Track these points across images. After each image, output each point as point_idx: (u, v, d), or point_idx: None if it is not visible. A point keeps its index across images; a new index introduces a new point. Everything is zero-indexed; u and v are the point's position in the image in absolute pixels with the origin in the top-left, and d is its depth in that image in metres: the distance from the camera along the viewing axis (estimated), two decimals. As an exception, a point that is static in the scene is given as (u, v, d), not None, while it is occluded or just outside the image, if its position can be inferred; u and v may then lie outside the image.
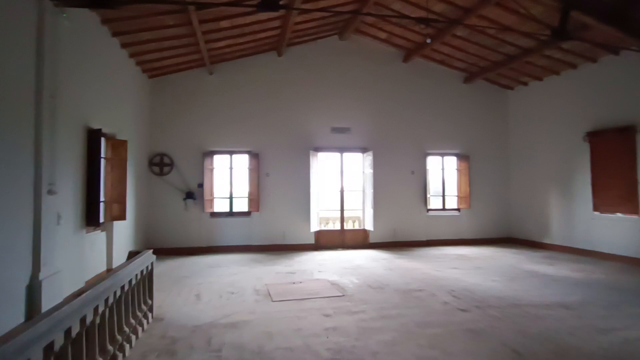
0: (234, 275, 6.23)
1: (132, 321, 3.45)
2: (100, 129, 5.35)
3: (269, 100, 8.86)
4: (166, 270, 6.58)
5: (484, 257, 7.63)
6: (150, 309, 4.13)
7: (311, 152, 8.68)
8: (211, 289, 5.35)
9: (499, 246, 8.98)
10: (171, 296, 5.04)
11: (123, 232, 6.73)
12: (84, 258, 5.11)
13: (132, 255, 4.08)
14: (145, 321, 3.85)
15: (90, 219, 5.20)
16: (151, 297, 4.16)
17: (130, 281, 3.38)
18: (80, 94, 5.10)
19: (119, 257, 6.20)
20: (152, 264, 4.19)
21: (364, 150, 9.10)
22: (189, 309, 4.52)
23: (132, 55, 7.00)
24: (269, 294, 5.04)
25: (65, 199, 4.64)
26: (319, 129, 9.01)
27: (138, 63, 7.41)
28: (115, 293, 2.97)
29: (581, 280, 5.70)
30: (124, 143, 6.37)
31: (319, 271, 6.48)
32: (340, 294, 5.04)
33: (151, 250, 4.31)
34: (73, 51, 4.85)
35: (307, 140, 8.93)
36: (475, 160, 9.58)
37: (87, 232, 5.23)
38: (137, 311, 3.65)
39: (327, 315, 4.20)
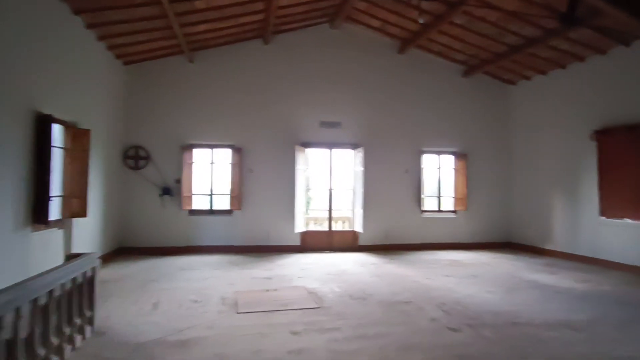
0: (205, 280, 5.67)
1: (54, 340, 2.88)
2: (50, 115, 4.77)
3: (254, 91, 8.29)
4: (133, 273, 6.02)
5: (481, 264, 7.06)
6: (90, 322, 3.56)
7: (297, 148, 8.10)
8: (173, 297, 4.78)
9: (497, 251, 8.41)
10: (126, 304, 4.47)
11: (87, 231, 6.17)
12: (29, 260, 4.53)
13: (69, 259, 3.51)
14: (79, 337, 3.29)
15: (38, 216, 4.63)
16: (92, 308, 3.60)
17: (51, 292, 2.81)
18: (28, 74, 4.53)
19: (79, 258, 5.63)
20: (94, 269, 3.62)
21: (354, 146, 8.53)
22: (140, 320, 3.96)
23: (101, 38, 6.41)
24: (236, 304, 4.47)
25: (3, 193, 4.07)
26: (307, 123, 8.43)
27: (110, 47, 6.83)
28: (18, 310, 2.39)
29: (587, 293, 5.13)
30: (86, 133, 5.79)
31: (300, 277, 5.92)
32: (316, 306, 4.46)
33: (95, 254, 3.74)
34: (21, 25, 4.29)
35: (294, 135, 8.35)
36: (474, 159, 9.00)
37: (35, 231, 4.65)
38: (65, 327, 3.07)
39: (295, 333, 3.63)
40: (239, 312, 4.22)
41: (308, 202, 16.35)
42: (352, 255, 7.85)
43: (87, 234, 6.13)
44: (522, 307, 4.47)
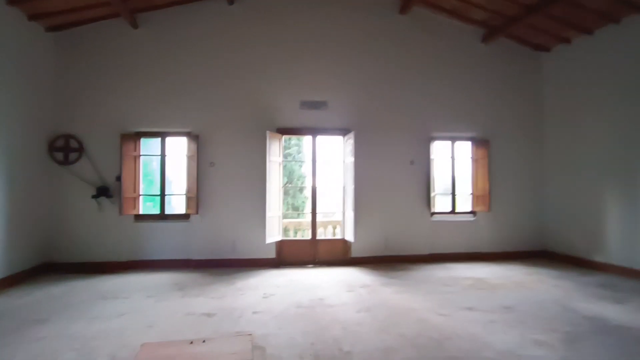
0: (117, 317, 3.94)
1: None
2: None
3: (216, 64, 6.54)
4: (27, 305, 4.33)
5: (513, 285, 5.19)
6: None
7: (271, 134, 6.32)
8: (39, 355, 3.06)
9: (530, 264, 6.51)
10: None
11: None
12: None
13: None
14: None
15: None
16: None
17: None
18: None
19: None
20: None
21: (344, 131, 6.72)
22: None
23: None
24: (124, 375, 2.73)
25: None
26: (285, 104, 6.65)
27: (10, 2, 5.16)
28: None
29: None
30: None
31: (255, 312, 4.14)
32: (253, 379, 2.69)
33: None
34: None
35: (268, 119, 6.58)
36: (498, 147, 7.11)
37: None
38: None
39: None
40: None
41: (302, 204, 14.64)
42: (340, 272, 6.05)
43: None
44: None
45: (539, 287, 5.10)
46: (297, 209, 14.32)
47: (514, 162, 7.20)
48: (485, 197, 6.93)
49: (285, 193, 14.63)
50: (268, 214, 6.10)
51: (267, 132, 6.19)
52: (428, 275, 5.80)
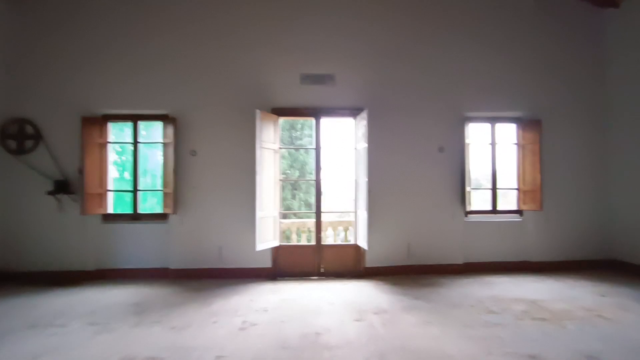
0: (29, 362, 2.82)
1: None
2: None
3: (196, 31, 5.36)
4: None
5: (585, 314, 3.77)
6: None
7: (265, 116, 5.08)
8: None
9: (597, 279, 5.02)
10: None
11: None
12: None
13: None
14: None
15: None
16: None
17: None
18: None
19: None
20: None
21: (355, 112, 5.40)
22: None
23: None
24: None
25: None
26: (282, 78, 5.40)
27: None
28: None
29: None
30: None
31: (219, 356, 2.92)
32: None
33: None
34: None
35: (261, 97, 5.36)
36: (552, 129, 5.61)
37: None
38: None
39: None
40: None
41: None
42: (350, 287, 4.78)
43: None
44: None
45: (625, 318, 3.66)
46: (310, 207, 13.08)
47: (572, 147, 5.69)
48: (536, 192, 5.47)
49: (297, 188, 13.42)
50: (259, 213, 4.88)
51: (257, 111, 4.95)
52: (464, 294, 4.44)
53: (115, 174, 5.44)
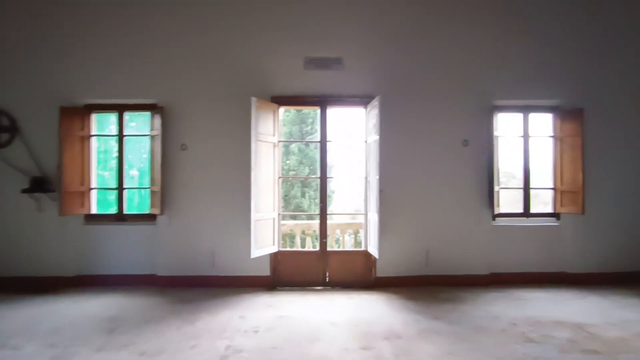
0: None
1: None
2: None
3: (188, 13, 4.78)
4: None
5: (648, 345, 3.04)
6: None
7: (264, 105, 4.46)
8: None
9: (652, 296, 4.25)
10: None
11: None
12: None
13: None
14: None
15: None
16: None
17: None
18: None
19: None
20: None
21: (366, 100, 4.73)
22: None
23: None
24: None
25: None
26: (283, 63, 4.78)
27: None
28: None
29: None
30: None
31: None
32: None
33: None
34: None
35: (259, 84, 4.74)
36: (595, 120, 4.81)
37: None
38: None
39: None
40: None
41: (329, 199, 12.73)
42: (358, 302, 4.15)
43: None
44: None
45: (702, 352, 2.92)
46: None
47: (619, 141, 4.89)
48: (577, 193, 4.69)
49: (307, 185, 12.82)
50: (254, 215, 4.27)
51: (253, 99, 4.33)
52: (492, 314, 3.75)
53: (98, 170, 4.91)
